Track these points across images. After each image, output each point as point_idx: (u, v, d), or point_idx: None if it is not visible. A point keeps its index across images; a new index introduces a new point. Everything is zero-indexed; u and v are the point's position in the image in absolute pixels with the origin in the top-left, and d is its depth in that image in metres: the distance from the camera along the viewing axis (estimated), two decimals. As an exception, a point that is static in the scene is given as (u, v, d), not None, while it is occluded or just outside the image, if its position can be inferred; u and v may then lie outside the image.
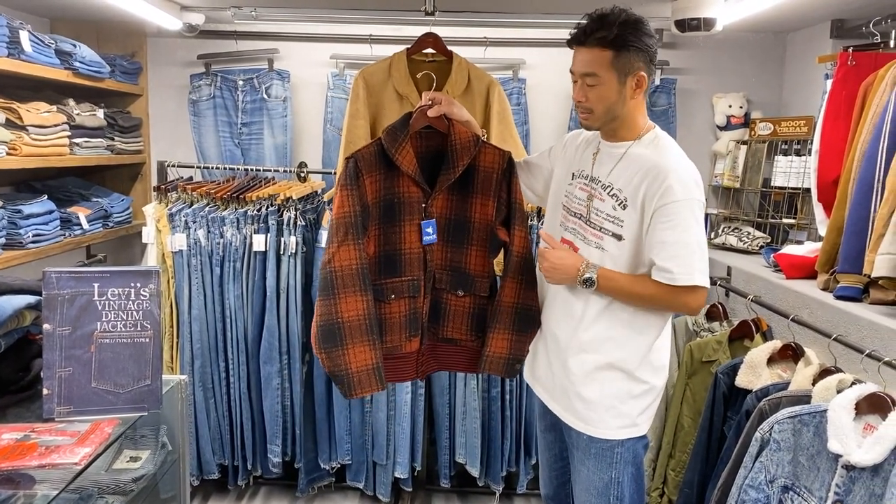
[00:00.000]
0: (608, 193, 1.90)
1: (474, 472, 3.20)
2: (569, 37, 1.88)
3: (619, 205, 1.87)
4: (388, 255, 2.10)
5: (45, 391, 1.55)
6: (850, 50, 2.76)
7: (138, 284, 1.62)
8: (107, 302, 1.59)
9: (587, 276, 1.87)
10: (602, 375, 1.93)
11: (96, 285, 1.59)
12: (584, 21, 1.84)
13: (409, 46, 2.73)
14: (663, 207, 1.78)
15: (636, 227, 1.85)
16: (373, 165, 2.02)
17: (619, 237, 1.88)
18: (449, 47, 2.75)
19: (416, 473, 3.29)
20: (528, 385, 2.25)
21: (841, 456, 1.61)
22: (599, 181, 1.93)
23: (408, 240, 2.10)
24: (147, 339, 1.62)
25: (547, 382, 2.09)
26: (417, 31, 2.81)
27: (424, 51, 2.74)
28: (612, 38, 1.79)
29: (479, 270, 2.16)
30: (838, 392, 1.75)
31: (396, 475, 3.22)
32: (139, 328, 1.61)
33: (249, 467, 3.24)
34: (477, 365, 2.19)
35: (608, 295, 1.90)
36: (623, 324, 1.92)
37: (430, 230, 2.09)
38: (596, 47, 1.82)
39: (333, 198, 2.08)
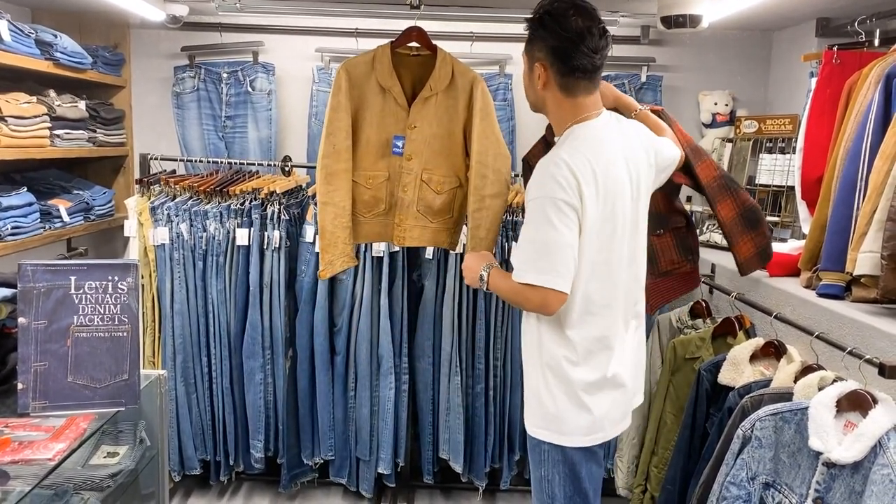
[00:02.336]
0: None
1: (458, 467, 3.20)
2: None
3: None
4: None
5: (20, 385, 1.53)
6: (835, 48, 2.77)
7: (116, 278, 1.60)
8: (84, 295, 1.57)
9: (481, 274, 1.95)
10: (526, 371, 1.97)
11: (73, 278, 1.57)
12: None
13: (394, 40, 2.71)
14: (525, 205, 1.82)
15: None
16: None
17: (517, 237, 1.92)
18: (435, 42, 2.72)
19: (399, 469, 3.29)
20: (511, 381, 2.24)
21: (822, 453, 1.61)
22: None
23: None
24: (125, 334, 1.60)
25: None
26: (404, 24, 2.78)
27: (409, 45, 2.71)
28: (529, 22, 1.82)
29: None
30: (820, 389, 1.75)
31: (380, 471, 3.21)
32: (117, 322, 1.60)
33: (232, 463, 3.23)
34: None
35: (495, 293, 1.97)
36: (530, 325, 1.92)
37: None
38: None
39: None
